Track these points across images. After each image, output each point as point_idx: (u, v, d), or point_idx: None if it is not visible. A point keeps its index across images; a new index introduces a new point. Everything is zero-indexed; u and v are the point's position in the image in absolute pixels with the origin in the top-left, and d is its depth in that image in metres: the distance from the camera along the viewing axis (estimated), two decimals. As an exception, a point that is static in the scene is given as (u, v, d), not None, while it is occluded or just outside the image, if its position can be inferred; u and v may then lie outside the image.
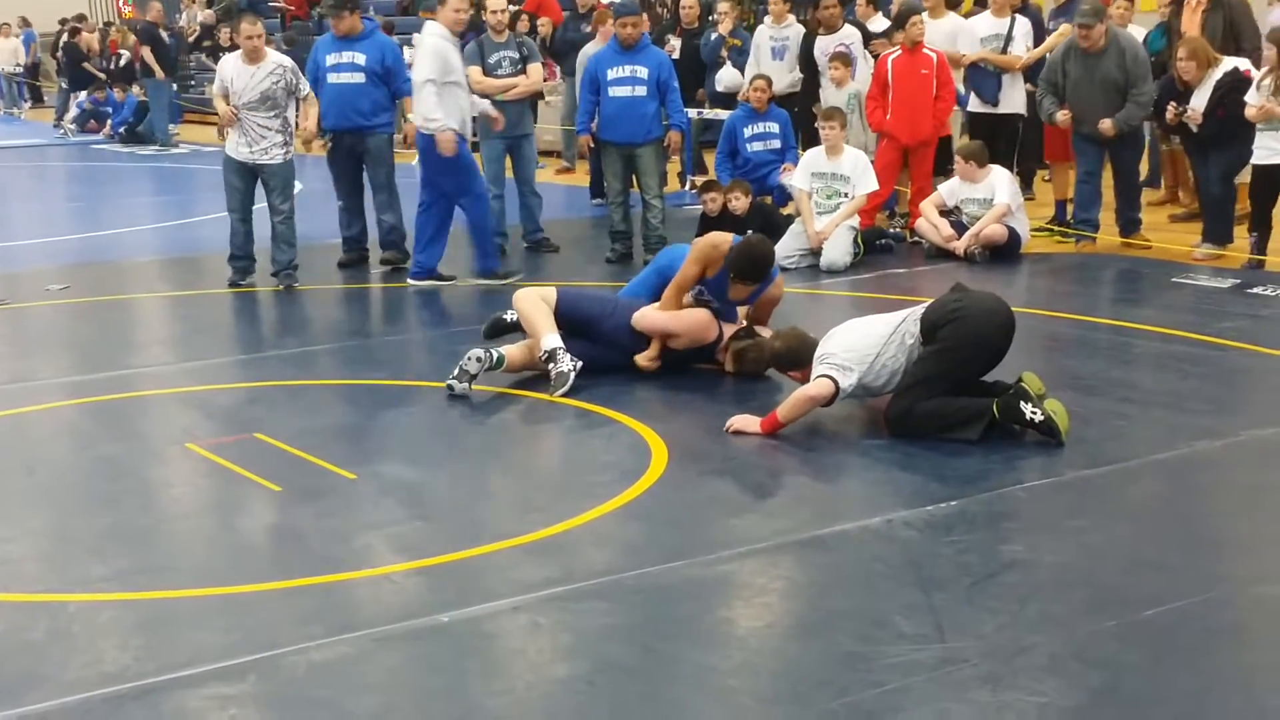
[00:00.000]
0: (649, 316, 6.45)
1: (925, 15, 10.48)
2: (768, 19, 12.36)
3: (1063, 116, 9.43)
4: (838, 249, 9.13)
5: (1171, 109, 8.94)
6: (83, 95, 22.54)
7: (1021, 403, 5.31)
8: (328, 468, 5.25)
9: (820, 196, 9.41)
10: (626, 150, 9.49)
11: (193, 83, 23.25)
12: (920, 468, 5.12)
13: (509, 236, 9.99)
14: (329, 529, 4.65)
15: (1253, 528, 4.67)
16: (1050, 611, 3.88)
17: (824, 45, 11.23)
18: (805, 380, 5.67)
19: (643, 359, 6.45)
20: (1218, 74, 8.84)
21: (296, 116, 8.97)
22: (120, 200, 14.58)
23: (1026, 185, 11.31)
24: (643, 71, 9.35)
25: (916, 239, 9.81)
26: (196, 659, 3.67)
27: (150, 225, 12.48)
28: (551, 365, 6.21)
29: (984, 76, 10.69)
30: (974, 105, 10.79)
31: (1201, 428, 5.52)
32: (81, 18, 26.00)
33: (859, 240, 9.31)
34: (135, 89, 21.11)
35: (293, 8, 23.86)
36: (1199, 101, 8.87)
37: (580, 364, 6.22)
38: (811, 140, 10.67)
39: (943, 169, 10.31)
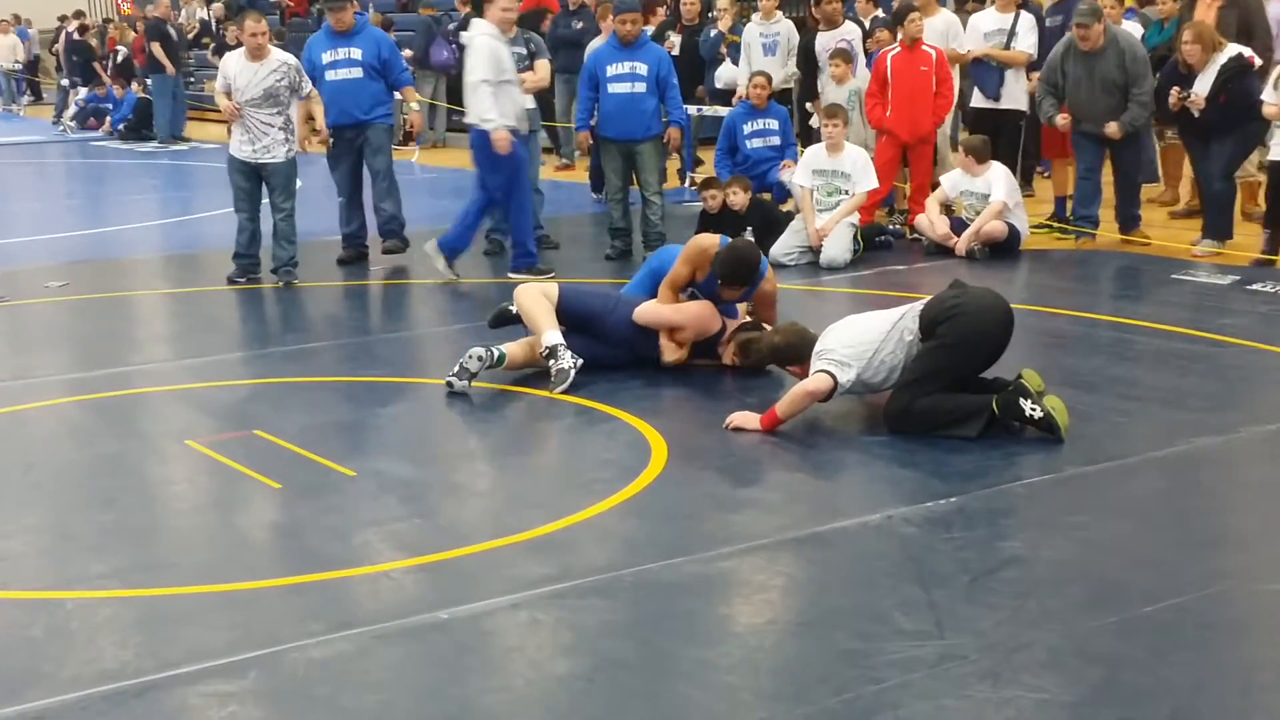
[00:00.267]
0: (650, 310, 6.46)
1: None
2: (756, 16, 12.38)
3: (1062, 120, 9.43)
4: (837, 246, 9.13)
5: (1175, 94, 8.92)
6: (83, 92, 22.54)
7: (1020, 399, 5.31)
8: (327, 465, 5.25)
9: (820, 194, 9.41)
10: (626, 147, 9.49)
11: (192, 79, 23.25)
12: (919, 464, 5.12)
13: (507, 234, 9.97)
14: (329, 526, 4.65)
15: (1252, 524, 4.67)
16: (1049, 607, 3.88)
17: (825, 41, 11.23)
18: (804, 375, 5.68)
19: (669, 353, 6.42)
20: (1222, 59, 8.82)
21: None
22: (119, 197, 14.59)
23: (1026, 182, 11.31)
24: (642, 68, 9.35)
25: (916, 236, 9.81)
26: (196, 656, 3.67)
27: (149, 222, 12.49)
28: (552, 362, 6.21)
29: (986, 72, 10.68)
30: (976, 100, 10.77)
31: (1201, 424, 5.51)
32: (79, 14, 25.97)
33: (858, 237, 9.31)
34: (134, 85, 21.10)
35: (292, 4, 23.84)
36: (1202, 86, 8.85)
37: (580, 361, 6.23)
38: (805, 136, 10.70)
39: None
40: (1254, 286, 8.04)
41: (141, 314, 8.65)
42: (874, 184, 9.51)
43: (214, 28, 24.50)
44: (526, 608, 3.94)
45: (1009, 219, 9.26)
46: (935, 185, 9.85)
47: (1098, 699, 3.36)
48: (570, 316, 6.43)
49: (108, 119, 21.23)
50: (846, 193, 9.36)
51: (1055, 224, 10.08)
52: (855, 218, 9.35)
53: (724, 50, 12.98)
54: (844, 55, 10.80)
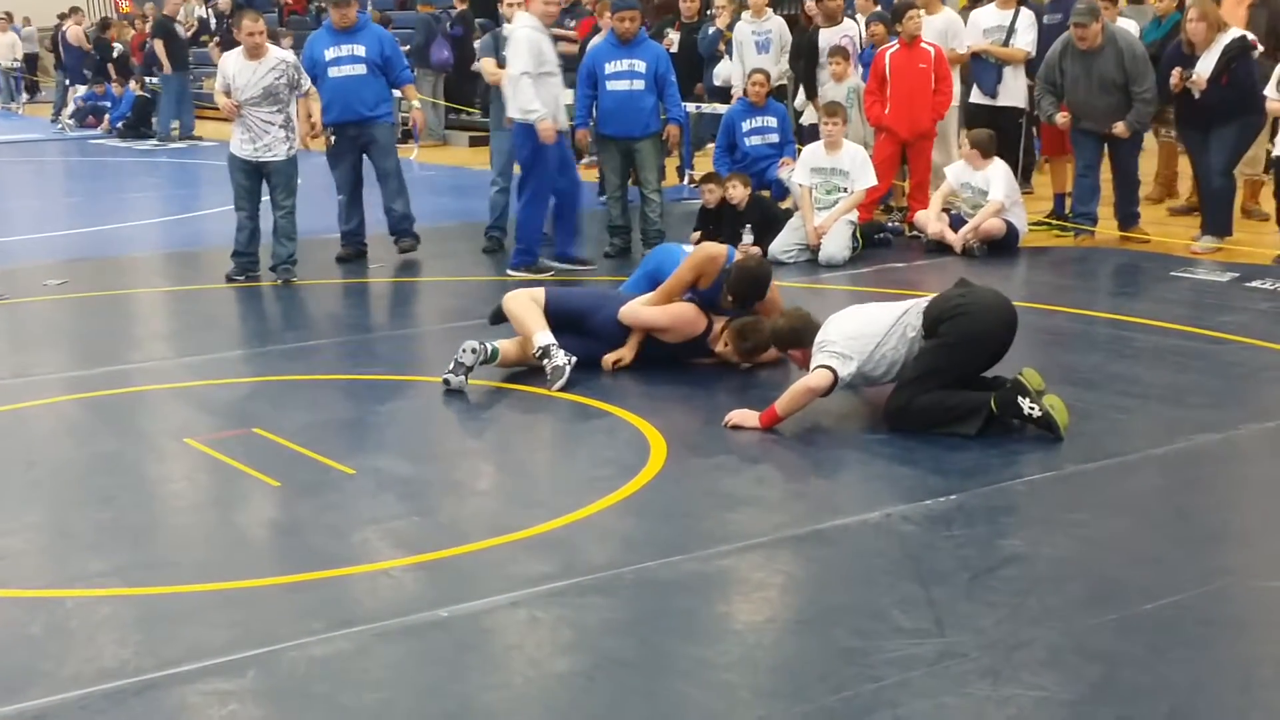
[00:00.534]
0: (635, 312, 6.47)
1: (922, 12, 10.48)
2: (746, 14, 12.38)
3: (1062, 119, 9.42)
4: (836, 243, 9.12)
5: (1177, 73, 8.90)
6: (82, 89, 22.53)
7: (1019, 397, 5.31)
8: (326, 463, 5.25)
9: (819, 192, 9.41)
10: (625, 145, 9.49)
11: (191, 77, 23.22)
12: (919, 462, 5.12)
13: (507, 231, 9.98)
14: (328, 524, 4.65)
15: (1252, 521, 4.67)
16: (1049, 605, 3.88)
17: (827, 38, 11.24)
18: (805, 361, 5.66)
19: (609, 358, 6.45)
20: (1225, 39, 8.81)
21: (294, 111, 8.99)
22: (118, 195, 14.58)
23: (1026, 180, 11.31)
24: (640, 65, 9.34)
25: (914, 233, 9.81)
26: (195, 654, 3.67)
27: (148, 220, 12.48)
28: (546, 361, 6.21)
29: (984, 69, 10.68)
30: (974, 97, 10.77)
31: (1200, 422, 5.52)
32: (75, 10, 25.94)
33: (857, 235, 9.31)
34: (133, 83, 21.09)
35: (290, 1, 23.84)
36: (1204, 67, 8.83)
37: (575, 358, 6.23)
38: (796, 135, 10.72)
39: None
40: (1253, 283, 8.04)
41: (140, 312, 8.65)
42: (873, 181, 9.52)
43: (219, 24, 24.45)
44: (526, 606, 3.94)
45: (1007, 216, 9.26)
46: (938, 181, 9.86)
47: (1097, 697, 3.36)
48: (559, 317, 6.44)
49: (106, 117, 21.21)
50: (845, 190, 9.36)
51: (1054, 221, 10.08)
52: (854, 215, 9.35)
53: (722, 48, 12.97)
54: (843, 53, 10.81)
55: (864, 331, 5.55)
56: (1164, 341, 6.85)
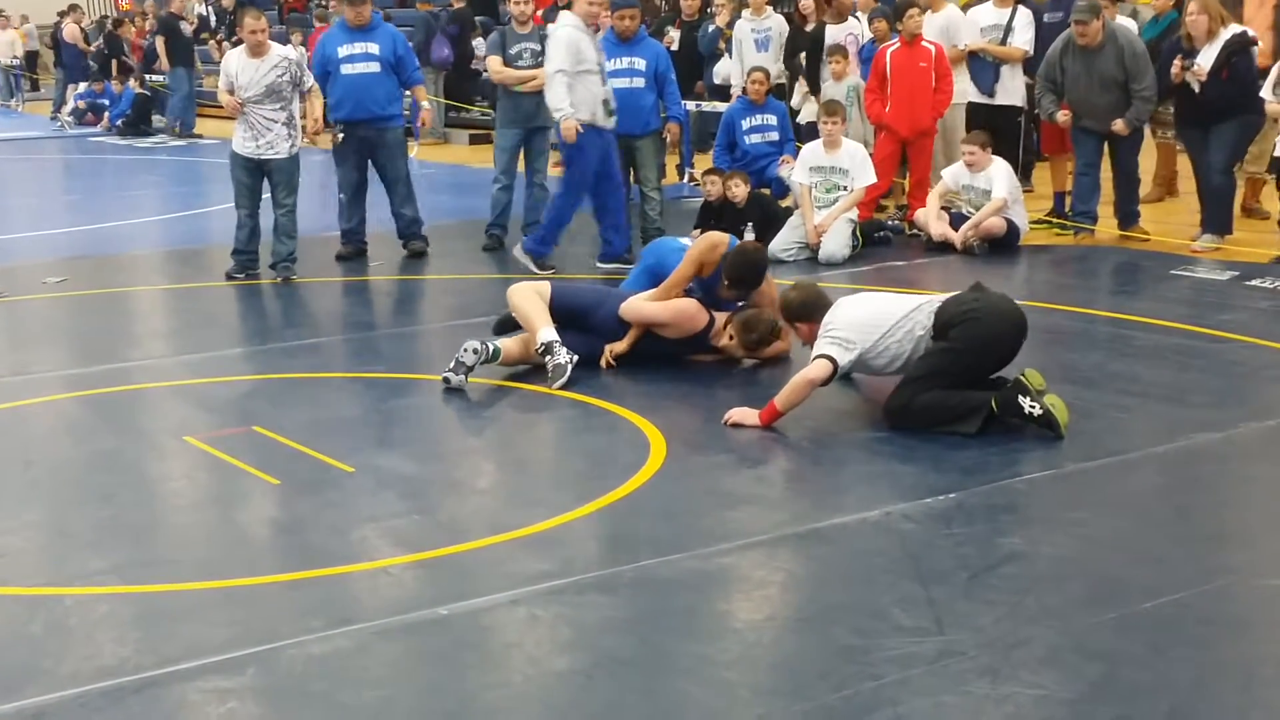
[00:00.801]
0: (635, 307, 6.47)
1: (925, 10, 10.47)
2: (746, 12, 12.38)
3: (1063, 116, 9.42)
4: (836, 241, 9.12)
5: (1178, 63, 8.88)
6: (82, 87, 22.52)
7: (1020, 396, 5.30)
8: (326, 461, 5.25)
9: (819, 190, 9.40)
10: (625, 142, 9.47)
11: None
12: (919, 460, 5.12)
13: (508, 229, 9.98)
14: (327, 522, 4.65)
15: (1252, 520, 4.67)
16: (1049, 604, 3.88)
17: (834, 34, 11.26)
18: (811, 337, 5.65)
19: (615, 347, 6.43)
20: (1226, 34, 8.79)
21: (303, 108, 9.00)
22: (118, 193, 14.57)
23: (1026, 179, 11.30)
24: (640, 63, 9.35)
25: (914, 231, 9.80)
26: (194, 652, 3.67)
27: (148, 218, 12.47)
28: (548, 358, 6.21)
29: (982, 67, 10.67)
30: (973, 95, 10.76)
31: (1201, 420, 5.51)
32: (74, 7, 25.92)
33: (857, 233, 9.31)
34: (132, 81, 21.08)
35: (290, -1, 23.84)
36: (1205, 60, 8.81)
37: (576, 357, 6.23)
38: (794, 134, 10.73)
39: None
40: (1254, 282, 8.04)
41: (140, 309, 8.64)
42: (872, 179, 9.51)
43: (220, 21, 24.44)
44: (525, 604, 3.94)
45: (1008, 215, 9.25)
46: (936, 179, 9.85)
47: (1097, 695, 3.36)
48: (562, 312, 6.44)
49: (106, 115, 21.21)
50: (845, 189, 9.36)
51: (1054, 220, 10.07)
52: (854, 213, 9.34)
53: (722, 46, 12.98)
54: (842, 52, 10.82)
55: (872, 321, 5.54)
56: (1164, 340, 6.85)
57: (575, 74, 8.53)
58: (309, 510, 4.78)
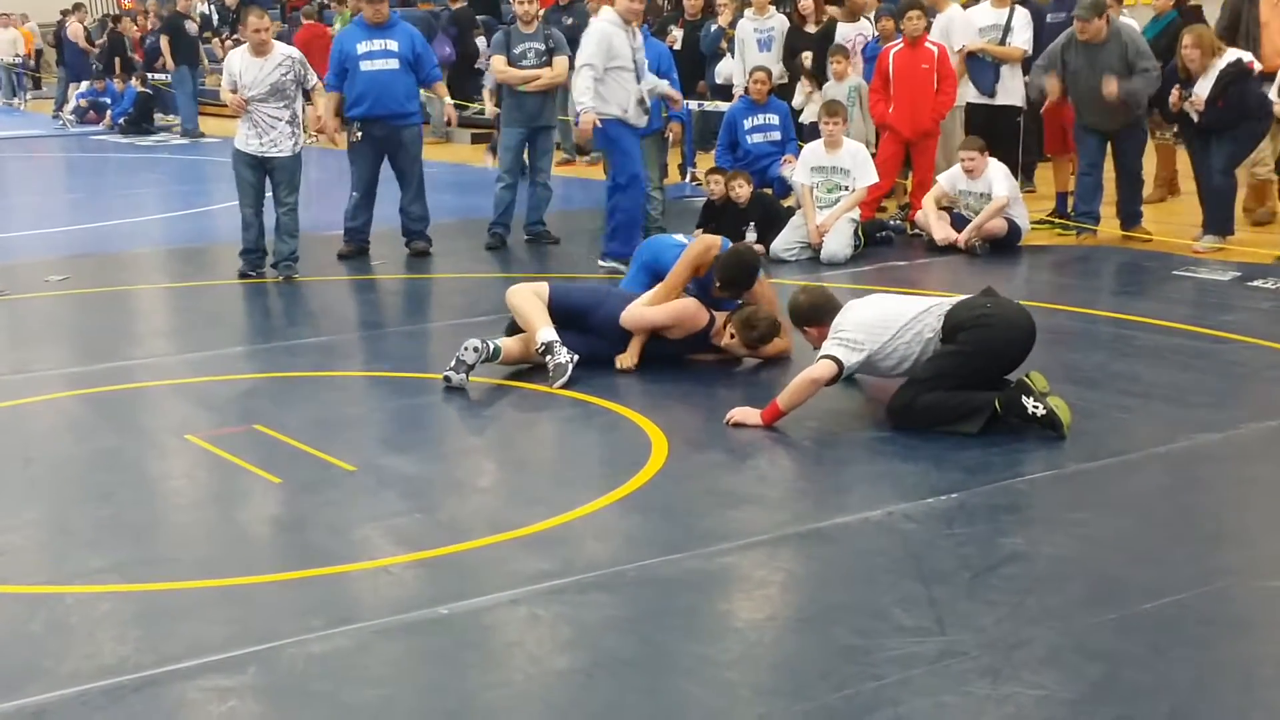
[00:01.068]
0: (637, 315, 6.43)
1: (928, 12, 10.47)
2: (749, 11, 12.37)
3: (1052, 85, 9.37)
4: (838, 241, 9.12)
5: (1176, 92, 8.91)
6: (84, 85, 22.52)
7: (1023, 397, 5.30)
8: (327, 460, 5.25)
9: (821, 190, 9.40)
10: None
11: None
12: (921, 460, 5.11)
13: (511, 228, 9.98)
14: (328, 521, 4.65)
15: (1253, 520, 4.66)
16: (1050, 604, 3.87)
17: (845, 32, 11.27)
18: (820, 340, 5.64)
19: (624, 360, 6.42)
20: (1221, 64, 8.81)
21: (306, 107, 9.02)
22: (120, 191, 14.57)
23: (1028, 179, 11.29)
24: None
25: (917, 231, 9.80)
26: (195, 651, 3.67)
27: (150, 216, 12.48)
28: (549, 358, 6.21)
29: (981, 68, 10.66)
30: (972, 96, 10.75)
31: (1202, 421, 5.51)
32: (79, 7, 25.94)
33: (859, 232, 9.30)
34: (134, 80, 21.08)
35: (293, -2, 23.83)
36: (1202, 89, 8.84)
37: (577, 356, 6.22)
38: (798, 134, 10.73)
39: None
40: (1255, 282, 8.03)
41: (141, 308, 8.64)
42: (873, 179, 9.51)
43: (227, 19, 24.43)
44: (526, 603, 3.94)
45: (1009, 214, 9.24)
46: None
47: (1097, 696, 3.36)
48: (561, 312, 6.43)
49: (108, 113, 21.22)
50: (846, 189, 9.35)
51: (1056, 220, 10.06)
52: (856, 213, 9.34)
53: (725, 45, 12.97)
54: (843, 51, 10.82)
55: (881, 322, 5.53)
56: (1166, 340, 6.84)
57: (607, 70, 8.52)
58: (310, 509, 4.78)
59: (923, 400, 5.39)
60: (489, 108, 10.16)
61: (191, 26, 19.90)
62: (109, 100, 21.44)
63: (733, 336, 6.41)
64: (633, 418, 5.73)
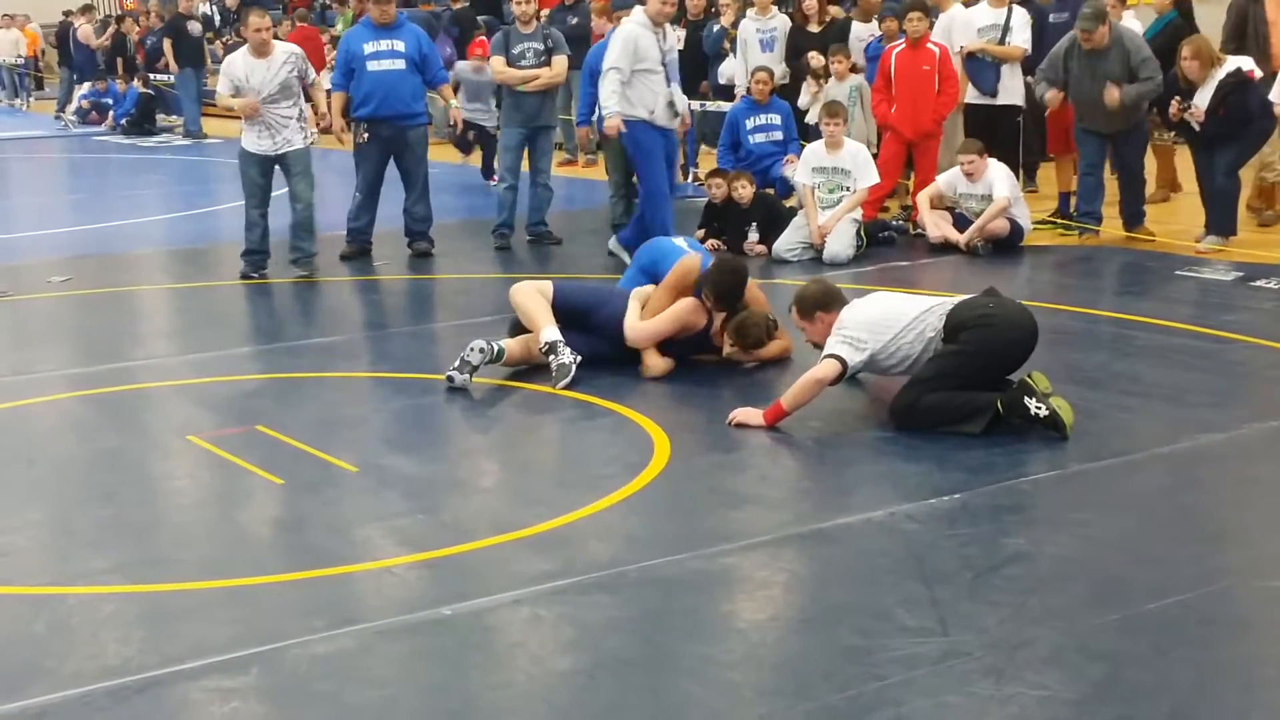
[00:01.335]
0: (641, 331, 6.38)
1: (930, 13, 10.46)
2: (751, 11, 12.36)
3: (1053, 95, 9.38)
4: (840, 241, 9.12)
5: (1176, 103, 8.92)
6: (86, 86, 22.52)
7: (1026, 398, 5.29)
8: (329, 460, 5.25)
9: (823, 191, 9.39)
10: (628, 141, 9.47)
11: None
12: (923, 460, 5.11)
13: (513, 228, 9.98)
14: (331, 522, 4.65)
15: (1255, 521, 4.66)
16: (1052, 604, 3.87)
17: (859, 33, 11.28)
18: (819, 336, 5.63)
19: (652, 371, 6.36)
20: (1221, 73, 8.82)
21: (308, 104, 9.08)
22: (122, 192, 14.57)
23: (1030, 178, 11.28)
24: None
25: (919, 232, 9.79)
26: (198, 652, 3.67)
27: (152, 217, 12.47)
28: (552, 358, 6.21)
29: (981, 68, 10.64)
30: (971, 96, 10.73)
31: (1205, 421, 5.51)
32: (89, 8, 25.93)
33: (862, 233, 9.30)
34: (136, 81, 21.09)
35: (294, -2, 23.84)
36: (1201, 99, 8.84)
37: (580, 357, 6.22)
38: (802, 134, 10.73)
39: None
40: (1258, 283, 8.03)
41: (144, 309, 8.65)
42: (875, 179, 9.50)
43: (228, 20, 24.43)
44: (529, 604, 3.94)
45: (1011, 214, 9.24)
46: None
47: (1100, 696, 3.36)
48: (564, 312, 6.43)
49: (110, 114, 21.22)
50: (848, 189, 9.35)
51: (1059, 220, 10.06)
52: (859, 214, 9.34)
53: (727, 45, 12.96)
54: (844, 52, 10.81)
55: (884, 321, 5.53)
56: (1168, 341, 6.84)
57: (634, 72, 8.52)
58: (312, 510, 4.78)
59: (926, 401, 5.39)
60: (453, 103, 10.09)
61: (194, 27, 19.89)
62: (111, 101, 21.45)
63: (732, 345, 6.40)
64: (635, 418, 5.73)
